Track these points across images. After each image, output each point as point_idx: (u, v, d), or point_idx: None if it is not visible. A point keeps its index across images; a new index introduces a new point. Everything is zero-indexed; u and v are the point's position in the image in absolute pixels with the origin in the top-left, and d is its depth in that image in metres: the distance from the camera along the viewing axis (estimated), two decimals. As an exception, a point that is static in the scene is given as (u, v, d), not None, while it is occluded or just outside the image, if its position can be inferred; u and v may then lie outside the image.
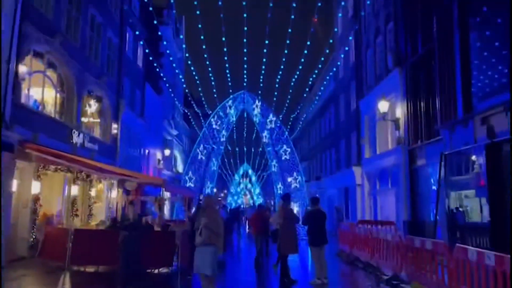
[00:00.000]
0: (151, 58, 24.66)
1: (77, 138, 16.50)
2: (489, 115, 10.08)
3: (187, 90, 31.33)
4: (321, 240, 9.48)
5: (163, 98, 32.89)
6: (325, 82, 30.67)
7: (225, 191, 70.90)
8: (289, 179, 26.49)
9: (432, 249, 7.74)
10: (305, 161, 41.21)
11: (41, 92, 14.95)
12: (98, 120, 17.75)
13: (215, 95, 25.83)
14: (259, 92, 27.93)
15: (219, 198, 69.86)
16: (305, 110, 38.89)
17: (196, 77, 25.06)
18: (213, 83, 25.29)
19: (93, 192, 18.07)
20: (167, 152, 32.24)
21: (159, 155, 31.69)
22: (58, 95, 16.07)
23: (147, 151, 28.58)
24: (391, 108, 18.07)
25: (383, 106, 17.65)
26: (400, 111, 17.74)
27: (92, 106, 17.25)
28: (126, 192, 21.47)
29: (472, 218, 12.86)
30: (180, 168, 39.08)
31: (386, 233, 10.54)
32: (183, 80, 33.03)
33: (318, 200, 10.14)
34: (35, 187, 13.36)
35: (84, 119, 17.17)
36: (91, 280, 10.50)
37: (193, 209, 25.87)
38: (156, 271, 11.40)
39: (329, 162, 32.66)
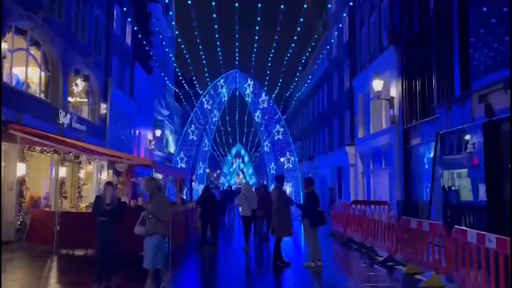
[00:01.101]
0: (140, 36, 23.97)
1: (64, 119, 16.02)
2: (488, 93, 9.81)
3: (177, 70, 30.68)
4: (319, 221, 9.26)
5: (153, 77, 32.23)
6: (318, 61, 30.21)
7: (218, 172, 70.80)
8: (282, 159, 26.26)
9: (429, 231, 7.54)
10: (297, 141, 40.99)
11: (25, 70, 14.40)
12: (86, 100, 17.25)
13: (206, 74, 25.23)
14: (251, 71, 27.47)
15: (212, 179, 69.83)
16: (298, 89, 38.48)
17: (187, 56, 24.41)
18: (204, 61, 24.73)
19: (82, 174, 17.70)
20: (158, 132, 31.81)
21: (150, 136, 31.25)
22: (43, 74, 15.51)
23: (137, 131, 28.12)
24: (385, 86, 17.75)
25: (377, 84, 17.32)
26: (394, 90, 17.44)
27: (79, 86, 16.71)
28: (116, 174, 21.11)
29: (463, 197, 12.76)
30: (172, 149, 38.68)
31: (381, 214, 10.34)
32: (173, 59, 32.33)
33: (313, 182, 9.88)
34: (21, 169, 12.97)
35: (71, 99, 16.66)
36: (79, 264, 10.23)
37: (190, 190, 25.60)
38: (147, 254, 11.14)
39: (322, 142, 32.46)
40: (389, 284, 7.81)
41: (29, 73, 14.74)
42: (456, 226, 6.71)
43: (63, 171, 16.01)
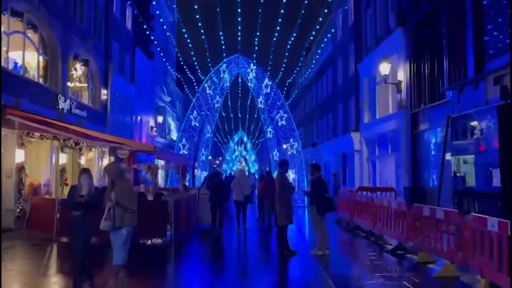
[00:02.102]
0: (140, 20, 23.45)
1: (63, 104, 15.67)
2: (503, 74, 9.36)
3: (179, 54, 30.18)
4: (327, 207, 8.93)
5: (154, 63, 31.76)
6: (322, 45, 29.63)
7: (220, 158, 70.58)
8: (285, 146, 25.88)
9: (444, 218, 7.20)
10: (300, 128, 40.59)
11: (22, 54, 13.99)
12: (86, 85, 16.85)
13: (208, 59, 24.74)
14: (254, 55, 26.92)
15: (214, 165, 69.63)
16: (301, 74, 37.92)
17: (188, 40, 23.87)
18: (206, 45, 24.22)
19: (83, 161, 17.42)
20: (160, 119, 31.46)
21: (152, 122, 30.90)
22: (41, 58, 15.11)
23: (139, 118, 27.77)
24: (392, 70, 17.26)
25: (384, 68, 16.84)
26: (402, 74, 16.96)
27: (78, 70, 16.31)
28: (118, 160, 20.83)
29: (475, 184, 12.42)
30: (174, 135, 38.35)
31: (391, 200, 10.00)
32: (175, 44, 31.79)
33: (320, 167, 9.50)
34: (19, 156, 12.67)
35: (70, 84, 16.27)
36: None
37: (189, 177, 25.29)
38: (149, 242, 10.88)
39: (325, 128, 32.05)
40: (401, 273, 7.50)
41: (26, 57, 14.34)
42: (473, 213, 6.35)
43: (63, 158, 15.74)
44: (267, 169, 37.82)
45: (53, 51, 15.60)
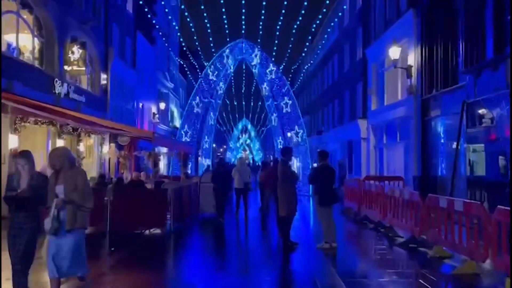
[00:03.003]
0: (141, 3, 22.72)
1: (60, 88, 15.10)
2: (527, 56, 8.68)
3: (181, 39, 29.45)
4: (330, 199, 8.36)
5: (156, 48, 31.08)
6: (329, 30, 28.78)
7: (224, 147, 70.10)
8: (289, 134, 25.28)
9: (463, 211, 6.61)
10: (305, 116, 39.86)
11: (16, 36, 13.39)
12: (84, 69, 16.24)
13: (212, 44, 24.03)
14: (258, 40, 26.14)
15: (218, 153, 69.25)
16: (307, 61, 37.10)
17: (191, 24, 23.16)
18: (209, 30, 23.50)
19: (81, 147, 16.91)
20: (162, 105, 30.86)
21: (154, 109, 30.33)
22: (36, 40, 14.51)
23: (141, 104, 27.19)
24: (402, 54, 16.51)
25: (394, 52, 16.09)
26: (413, 58, 16.22)
27: (75, 53, 15.70)
28: (118, 147, 20.34)
29: (476, 172, 11.87)
30: (177, 123, 37.77)
31: (403, 190, 9.40)
32: (177, 28, 31.05)
33: (327, 155, 8.89)
34: (13, 141, 12.15)
35: (67, 68, 15.66)
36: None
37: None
38: (147, 232, 10.38)
39: (331, 115, 31.36)
40: (415, 269, 6.92)
41: (20, 39, 13.74)
42: (499, 206, 5.76)
43: (60, 144, 15.16)
44: (272, 157, 37.23)
45: (49, 33, 14.99)
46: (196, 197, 13.21)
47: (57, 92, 14.90)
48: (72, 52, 15.66)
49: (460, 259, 7.05)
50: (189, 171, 21.79)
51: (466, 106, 11.16)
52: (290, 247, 8.20)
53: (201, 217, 12.95)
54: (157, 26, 27.00)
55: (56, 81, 14.88)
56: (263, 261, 7.82)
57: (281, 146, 27.27)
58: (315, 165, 24.94)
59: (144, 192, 10.82)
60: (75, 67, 15.67)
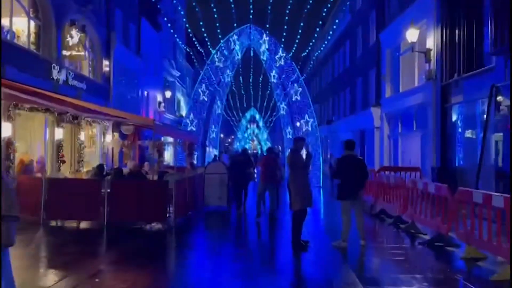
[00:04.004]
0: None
1: (58, 74, 14.35)
2: None
3: (187, 25, 28.51)
4: (354, 192, 7.51)
5: (162, 35, 30.19)
6: (340, 13, 27.62)
7: (232, 137, 69.45)
8: (298, 124, 24.35)
9: (503, 207, 5.74)
10: (315, 105, 38.79)
11: (9, 18, 12.61)
12: (83, 53, 15.47)
13: (218, 30, 23.03)
14: (267, 26, 25.11)
15: (226, 144, 68.55)
16: (317, 48, 35.95)
17: (197, 9, 22.20)
18: (215, 15, 22.49)
19: (82, 136, 16.20)
20: (168, 94, 30.07)
21: (160, 98, 29.57)
22: (32, 22, 13.74)
23: (146, 92, 26.42)
24: (420, 38, 15.47)
25: (412, 34, 15.06)
26: (431, 41, 15.19)
27: (74, 37, 14.90)
28: (122, 137, 19.63)
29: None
30: (184, 112, 36.98)
31: (428, 182, 8.52)
32: (182, 13, 30.09)
33: (353, 144, 8.02)
34: (6, 129, 11.42)
35: (65, 53, 14.88)
36: (70, 238, 8.79)
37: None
38: (148, 227, 9.64)
39: (342, 104, 30.36)
40: (448, 274, 6.03)
41: (15, 22, 12.98)
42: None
43: (60, 133, 14.49)
44: (280, 147, 36.36)
45: (46, 16, 14.20)
46: (201, 189, 12.43)
47: (55, 78, 14.15)
48: (71, 36, 14.87)
49: (496, 262, 6.22)
50: (195, 161, 21.00)
51: (495, 90, 10.19)
52: (301, 245, 7.40)
53: (206, 210, 12.20)
54: (162, 12, 26.08)
55: (54, 66, 14.13)
56: (270, 262, 7.03)
57: (290, 136, 26.40)
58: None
59: (144, 184, 10.06)
60: (74, 52, 14.90)
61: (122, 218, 9.56)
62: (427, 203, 8.16)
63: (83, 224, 9.78)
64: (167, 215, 9.72)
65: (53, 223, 9.80)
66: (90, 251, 7.44)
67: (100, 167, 11.57)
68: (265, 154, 11.87)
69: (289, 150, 8.15)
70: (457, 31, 13.60)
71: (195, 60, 36.25)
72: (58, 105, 12.54)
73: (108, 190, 9.49)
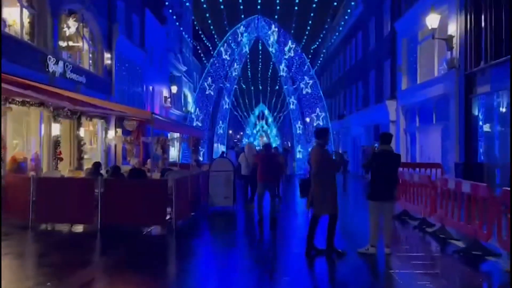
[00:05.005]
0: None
1: (54, 66, 13.51)
2: None
3: (193, 17, 27.57)
4: (386, 193, 6.54)
5: (167, 28, 29.30)
6: (352, 3, 26.47)
7: (241, 133, 68.71)
8: (308, 119, 23.36)
9: None
10: (326, 100, 37.75)
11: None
12: (80, 44, 14.59)
13: (225, 22, 22.10)
14: (275, 16, 24.11)
15: (235, 140, 67.64)
16: (327, 40, 34.84)
17: (204, 3, 21.25)
18: (222, 6, 21.54)
19: (82, 132, 15.38)
20: (174, 89, 29.18)
21: (165, 93, 28.71)
22: (25, 11, 12.90)
23: (151, 87, 25.57)
24: (440, 24, 14.36)
25: (432, 20, 13.97)
26: (454, 27, 14.10)
27: (71, 27, 14.04)
28: (125, 133, 18.79)
29: None
30: (191, 107, 36.14)
31: (461, 181, 7.46)
32: (188, 4, 29.17)
33: (390, 138, 7.02)
34: (-5, 125, 10.60)
35: (62, 43, 14.03)
36: (62, 243, 7.93)
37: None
38: (145, 231, 8.75)
39: (354, 97, 29.23)
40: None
41: (7, 10, 12.15)
42: None
43: (56, 129, 13.66)
44: (289, 143, 35.32)
45: (41, 4, 13.36)
46: (206, 188, 11.52)
47: (50, 70, 13.31)
48: (68, 26, 14.00)
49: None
50: (201, 158, 20.11)
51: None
52: (310, 250, 6.47)
53: (211, 211, 11.28)
54: (167, 3, 25.17)
55: (50, 58, 13.29)
56: (279, 272, 6.09)
57: (300, 132, 25.39)
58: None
59: (141, 183, 9.16)
60: (70, 43, 14.03)
61: (118, 221, 8.68)
62: (461, 204, 7.14)
63: (76, 228, 8.92)
64: (167, 218, 8.82)
65: (43, 227, 8.96)
66: (78, 259, 6.58)
67: (96, 165, 10.67)
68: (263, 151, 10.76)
69: (314, 144, 7.10)
70: (483, 15, 12.50)
71: (202, 55, 35.40)
72: (53, 99, 11.72)
73: (102, 190, 8.62)
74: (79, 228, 8.92)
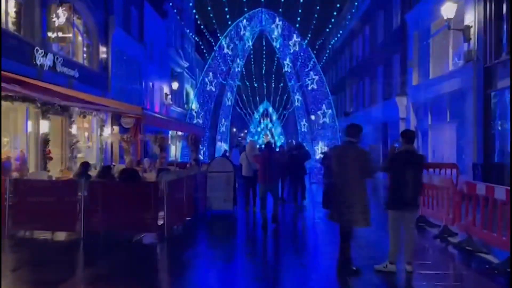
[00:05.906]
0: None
1: (43, 59, 12.65)
2: None
3: (195, 12, 26.66)
4: (409, 200, 5.59)
5: (168, 23, 28.40)
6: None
7: (246, 131, 67.94)
8: (313, 117, 22.40)
9: None
10: (331, 96, 36.74)
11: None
12: (70, 35, 13.73)
13: (228, 16, 21.16)
14: (280, 10, 23.12)
15: (239, 138, 66.77)
16: (333, 35, 33.82)
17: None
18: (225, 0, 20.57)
19: (74, 130, 14.53)
20: (175, 85, 28.27)
21: (166, 89, 27.83)
22: (11, 0, 12.04)
23: (150, 83, 24.69)
24: (456, 15, 13.38)
25: (448, 9, 13.01)
26: (471, 17, 13.11)
27: (61, 17, 13.16)
28: (122, 130, 17.93)
29: None
30: (193, 105, 35.24)
31: (493, 186, 6.47)
32: (191, 1, 28.27)
33: (413, 136, 6.05)
34: (-26, 122, 9.75)
35: (51, 34, 13.16)
36: (40, 254, 7.04)
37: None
38: (134, 239, 7.86)
39: (361, 94, 28.25)
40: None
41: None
42: None
43: (45, 126, 12.80)
44: (294, 141, 34.37)
45: (29, -7, 12.50)
46: (203, 189, 10.62)
47: (38, 63, 12.46)
48: (57, 16, 13.12)
49: None
50: (201, 157, 19.22)
51: None
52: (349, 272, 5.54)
53: (209, 216, 10.38)
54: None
55: (37, 50, 12.43)
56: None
57: (305, 130, 24.43)
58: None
59: (130, 185, 8.27)
60: (60, 34, 13.16)
61: (103, 228, 7.79)
62: (493, 213, 6.19)
63: (57, 236, 8.04)
64: (159, 223, 7.93)
65: (20, 234, 8.09)
66: (57, 274, 5.71)
67: (84, 165, 9.78)
68: (264, 149, 9.86)
69: (346, 143, 6.07)
70: (504, 3, 11.52)
71: (205, 51, 34.48)
72: (39, 94, 10.84)
73: (85, 194, 7.74)
74: (60, 236, 8.03)
